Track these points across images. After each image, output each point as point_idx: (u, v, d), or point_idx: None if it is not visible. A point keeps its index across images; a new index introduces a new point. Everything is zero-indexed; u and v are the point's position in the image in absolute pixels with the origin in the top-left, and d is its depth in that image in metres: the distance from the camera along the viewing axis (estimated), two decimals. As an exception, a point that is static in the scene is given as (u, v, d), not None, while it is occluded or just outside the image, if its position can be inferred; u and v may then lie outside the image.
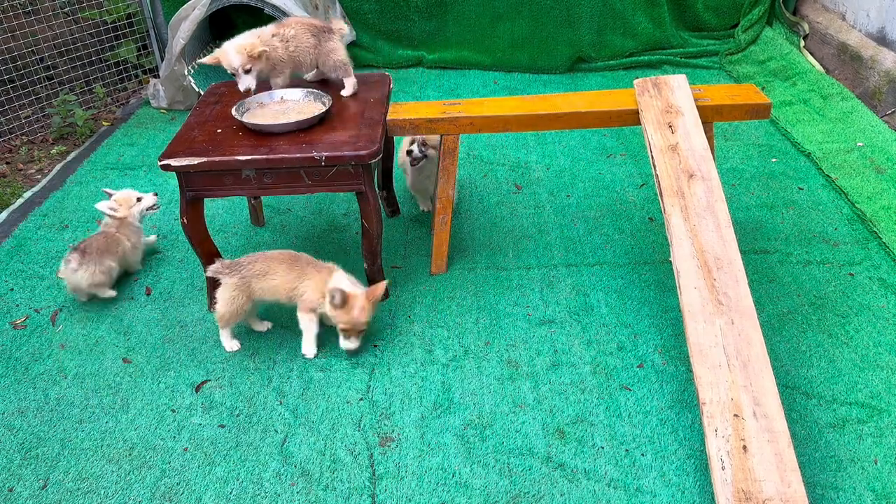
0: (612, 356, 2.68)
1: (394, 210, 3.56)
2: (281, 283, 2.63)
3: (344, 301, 2.55)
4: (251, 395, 2.56)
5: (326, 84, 3.10)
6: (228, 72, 2.83)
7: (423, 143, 3.21)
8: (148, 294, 3.06)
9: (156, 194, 3.19)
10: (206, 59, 2.86)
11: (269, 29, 2.88)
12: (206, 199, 2.79)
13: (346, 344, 2.66)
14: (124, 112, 4.81)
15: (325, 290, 2.58)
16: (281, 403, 2.52)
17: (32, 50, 4.64)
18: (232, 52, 2.77)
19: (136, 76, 5.16)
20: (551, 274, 3.12)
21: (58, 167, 4.14)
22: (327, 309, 2.59)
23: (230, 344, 2.74)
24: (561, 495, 2.18)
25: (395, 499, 2.19)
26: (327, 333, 2.81)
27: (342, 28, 2.99)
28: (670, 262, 2.47)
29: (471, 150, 4.16)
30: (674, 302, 2.92)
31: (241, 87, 2.81)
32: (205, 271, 2.86)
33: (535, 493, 2.19)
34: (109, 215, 3.05)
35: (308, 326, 2.70)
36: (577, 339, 2.77)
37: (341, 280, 2.62)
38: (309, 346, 2.72)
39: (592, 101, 2.95)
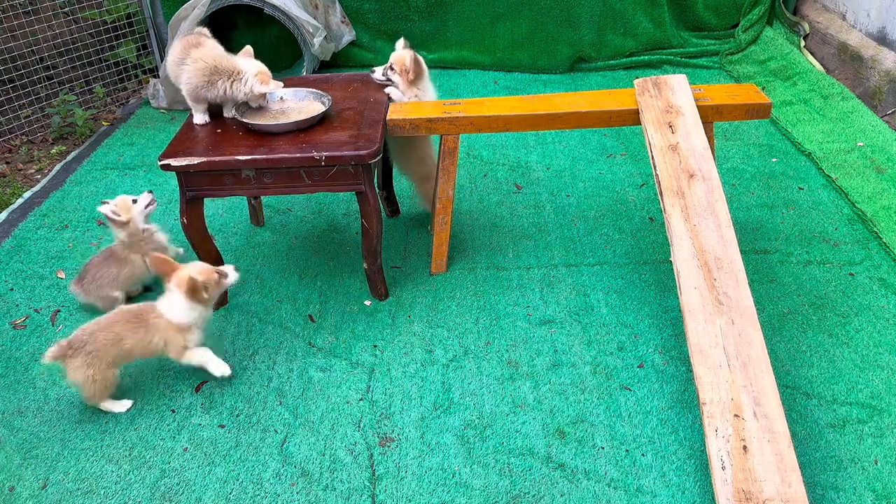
0: (612, 356, 2.68)
1: (394, 210, 3.56)
2: (134, 342, 2.44)
3: (194, 285, 2.40)
4: (251, 395, 2.55)
5: (326, 84, 3.10)
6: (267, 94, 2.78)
7: (390, 67, 3.03)
8: (149, 291, 3.06)
9: (150, 192, 2.99)
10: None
11: (210, 52, 2.75)
12: (206, 199, 2.79)
13: (230, 279, 2.55)
14: (124, 112, 4.81)
15: (183, 323, 2.44)
16: (281, 403, 2.52)
17: (32, 50, 4.64)
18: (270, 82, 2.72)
19: (136, 76, 5.16)
20: (551, 274, 3.12)
21: (58, 167, 4.14)
22: (204, 308, 2.48)
23: (118, 406, 2.52)
24: (561, 495, 2.18)
25: (395, 499, 2.18)
26: (321, 331, 2.81)
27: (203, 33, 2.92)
28: (670, 262, 2.47)
29: (471, 150, 4.16)
30: (674, 302, 2.92)
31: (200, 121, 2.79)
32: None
33: (535, 493, 2.19)
34: (113, 219, 2.87)
35: (202, 356, 2.52)
36: (577, 339, 2.77)
37: (170, 296, 2.45)
38: (219, 365, 2.54)
39: (592, 101, 2.95)
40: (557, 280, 3.08)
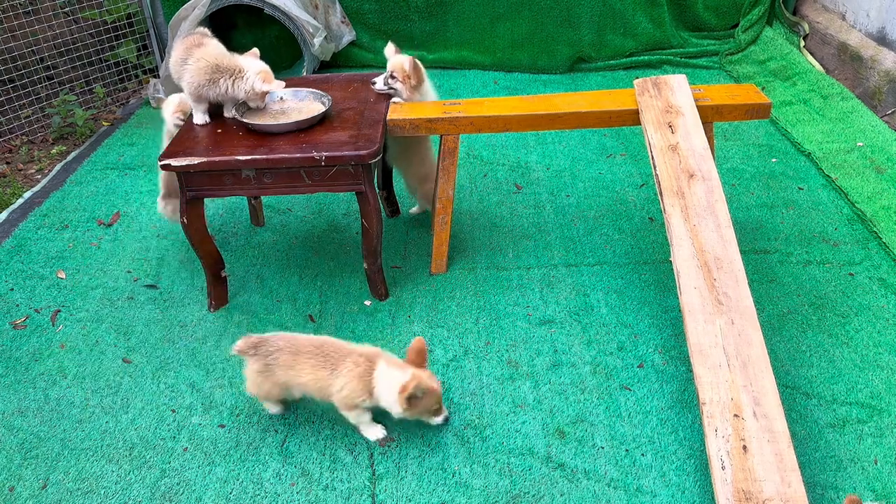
0: (612, 356, 2.68)
1: (394, 210, 3.56)
2: (309, 381, 2.28)
3: (425, 394, 2.22)
4: (251, 395, 2.55)
5: (327, 84, 3.10)
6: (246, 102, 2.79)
7: (391, 76, 2.97)
8: (152, 288, 3.07)
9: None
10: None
11: (212, 51, 2.75)
12: (206, 199, 2.79)
13: (439, 419, 2.34)
14: (124, 112, 4.81)
15: (372, 387, 2.23)
16: (281, 403, 2.52)
17: (32, 50, 4.64)
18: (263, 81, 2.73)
19: (136, 76, 5.16)
20: (551, 274, 3.12)
21: (58, 167, 4.14)
22: (401, 410, 2.23)
23: (275, 409, 2.46)
24: (561, 495, 2.18)
25: (395, 499, 2.19)
26: (321, 331, 2.81)
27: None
28: (670, 262, 2.47)
29: (471, 150, 4.16)
30: (674, 302, 2.92)
31: (200, 121, 2.80)
32: (207, 271, 2.86)
33: (535, 493, 2.19)
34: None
35: (359, 418, 2.34)
36: (577, 339, 2.77)
37: (393, 373, 2.23)
38: (373, 430, 2.37)
39: (592, 101, 2.95)
40: (557, 280, 3.08)
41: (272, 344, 2.30)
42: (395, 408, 2.22)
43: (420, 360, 2.28)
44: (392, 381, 2.21)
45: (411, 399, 2.18)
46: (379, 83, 3.01)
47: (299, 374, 2.27)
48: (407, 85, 2.98)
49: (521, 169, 3.97)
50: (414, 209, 3.55)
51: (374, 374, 2.23)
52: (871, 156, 3.87)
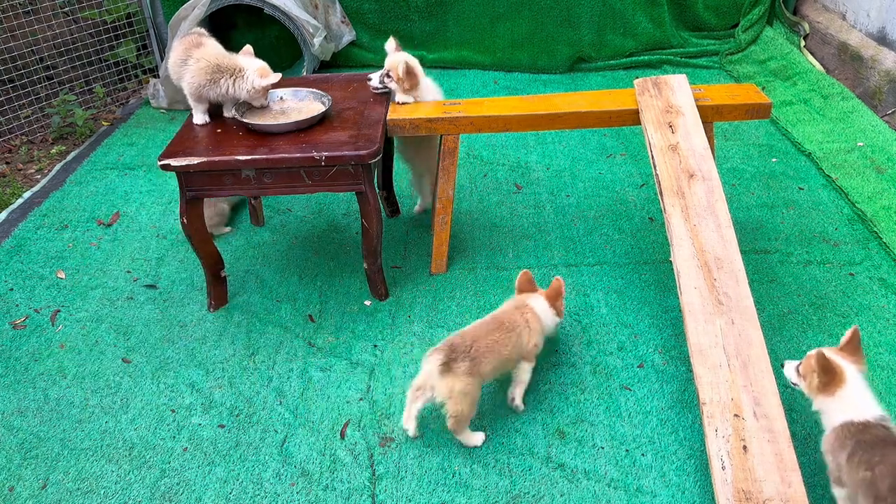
0: (612, 356, 2.68)
1: (394, 210, 3.56)
2: (511, 351, 2.34)
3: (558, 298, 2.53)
4: (251, 395, 2.55)
5: (326, 84, 3.10)
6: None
7: (387, 74, 2.97)
8: (153, 288, 3.07)
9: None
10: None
11: (212, 51, 2.75)
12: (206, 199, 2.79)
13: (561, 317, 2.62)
14: (124, 112, 4.81)
15: (542, 321, 2.46)
16: (281, 403, 2.52)
17: (32, 50, 4.64)
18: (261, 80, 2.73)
19: (136, 76, 5.16)
20: (551, 274, 3.12)
21: (57, 167, 4.14)
22: (560, 318, 2.55)
23: (476, 438, 2.34)
24: (561, 495, 2.18)
25: (395, 499, 2.18)
26: (321, 331, 2.81)
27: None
28: (670, 262, 2.47)
29: (471, 150, 4.16)
30: (674, 302, 2.92)
31: (199, 121, 2.80)
32: (206, 271, 2.86)
33: (535, 493, 2.19)
34: None
35: (529, 372, 2.47)
36: (577, 339, 2.77)
37: (535, 300, 2.50)
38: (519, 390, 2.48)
39: (592, 101, 2.95)
40: (557, 280, 3.08)
41: (462, 340, 2.25)
42: (556, 319, 2.53)
43: (532, 286, 2.57)
44: (542, 305, 2.49)
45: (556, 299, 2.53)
46: (375, 80, 2.99)
47: (503, 350, 2.31)
48: (401, 86, 2.96)
49: (521, 169, 3.97)
50: (417, 208, 3.53)
51: (537, 312, 2.47)
52: (871, 156, 3.87)
